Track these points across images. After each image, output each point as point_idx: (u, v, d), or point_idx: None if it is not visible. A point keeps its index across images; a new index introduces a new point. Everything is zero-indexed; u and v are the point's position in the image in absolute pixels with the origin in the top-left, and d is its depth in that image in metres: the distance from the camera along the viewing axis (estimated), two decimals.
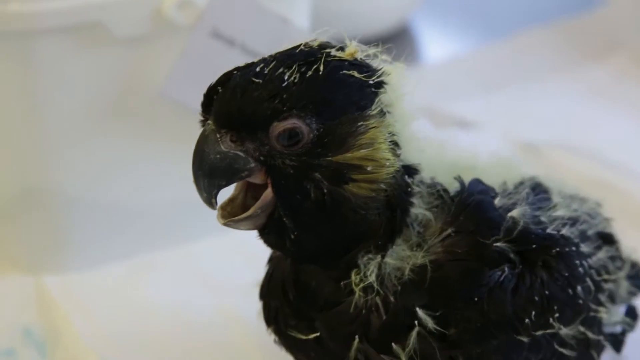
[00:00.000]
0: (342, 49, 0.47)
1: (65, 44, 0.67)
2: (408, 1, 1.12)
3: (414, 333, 0.47)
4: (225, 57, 0.68)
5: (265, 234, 0.48)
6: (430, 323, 0.46)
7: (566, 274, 0.49)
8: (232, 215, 0.47)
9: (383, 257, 0.47)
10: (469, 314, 0.47)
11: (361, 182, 0.46)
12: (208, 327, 0.69)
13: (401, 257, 0.47)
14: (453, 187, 0.49)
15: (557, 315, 0.48)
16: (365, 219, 0.46)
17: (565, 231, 0.50)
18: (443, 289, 0.47)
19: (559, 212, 0.51)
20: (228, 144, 0.46)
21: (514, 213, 0.48)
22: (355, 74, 0.46)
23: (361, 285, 0.47)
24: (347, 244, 0.47)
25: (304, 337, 0.50)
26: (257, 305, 0.70)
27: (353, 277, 0.47)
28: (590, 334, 0.50)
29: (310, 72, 0.45)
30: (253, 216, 0.46)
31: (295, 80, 0.45)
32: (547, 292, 0.48)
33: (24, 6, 0.64)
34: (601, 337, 0.52)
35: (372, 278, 0.47)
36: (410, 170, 0.48)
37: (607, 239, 0.55)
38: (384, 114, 0.47)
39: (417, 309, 0.47)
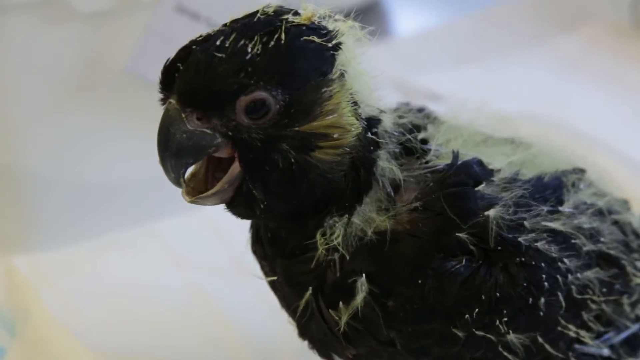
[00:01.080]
0: (297, 13, 0.46)
1: (29, 20, 0.67)
2: None
3: (359, 297, 0.47)
4: (190, 32, 0.66)
5: (234, 206, 0.47)
6: (364, 293, 0.47)
7: (524, 284, 0.47)
8: (196, 190, 0.47)
9: (350, 217, 0.47)
10: (409, 293, 0.47)
11: (327, 149, 0.46)
12: (175, 303, 0.69)
13: (367, 219, 0.48)
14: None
15: (505, 319, 0.47)
16: (332, 182, 0.47)
17: (541, 245, 0.48)
18: (393, 262, 0.47)
19: (551, 224, 0.49)
20: (194, 122, 0.45)
21: (491, 212, 0.47)
22: (315, 39, 0.45)
23: (325, 246, 0.47)
24: (316, 206, 0.47)
25: (265, 278, 0.51)
26: (227, 284, 0.71)
27: (318, 237, 0.48)
28: (551, 349, 0.49)
29: (272, 43, 0.45)
30: (220, 191, 0.46)
31: (259, 52, 0.44)
32: (497, 294, 0.47)
33: None
34: (570, 354, 0.51)
35: (337, 241, 0.47)
36: (372, 122, 0.48)
37: (608, 260, 0.52)
38: (343, 76, 0.46)
39: (363, 275, 0.47)
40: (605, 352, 0.53)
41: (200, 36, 0.46)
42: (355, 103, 0.47)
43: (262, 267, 0.53)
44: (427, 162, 0.49)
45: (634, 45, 1.01)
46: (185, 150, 0.45)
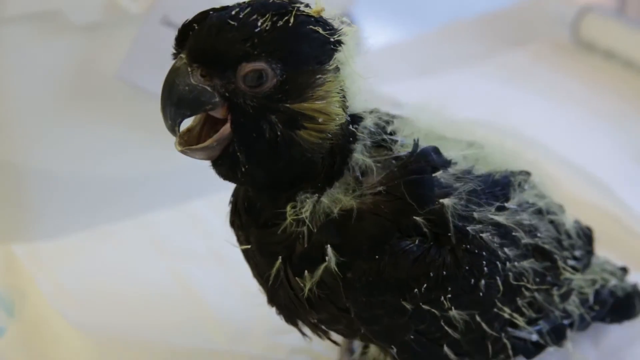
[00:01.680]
0: (308, 6, 0.50)
1: (28, 30, 0.71)
2: None
3: (322, 267, 0.50)
4: None
5: (218, 165, 0.50)
6: (333, 262, 0.50)
7: (467, 267, 0.51)
8: (188, 143, 0.50)
9: (320, 196, 0.51)
10: (367, 266, 0.50)
11: (311, 130, 0.49)
12: (159, 288, 0.73)
13: (335, 200, 0.51)
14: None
15: (449, 296, 0.51)
16: (310, 162, 0.50)
17: (485, 236, 0.52)
18: (356, 237, 0.50)
19: (496, 217, 0.53)
20: (198, 77, 0.48)
21: (446, 201, 0.51)
22: (320, 30, 0.49)
23: (294, 217, 0.51)
24: (291, 181, 0.51)
25: (240, 247, 0.55)
26: (208, 272, 0.73)
27: (288, 209, 0.51)
28: (487, 327, 0.53)
29: (281, 22, 0.48)
30: (209, 147, 0.49)
31: (267, 28, 0.48)
32: (444, 273, 0.50)
33: None
34: (503, 335, 0.54)
35: (305, 214, 0.50)
36: (355, 118, 0.52)
37: (542, 253, 0.56)
38: (338, 70, 0.50)
39: (329, 246, 0.50)
40: (534, 337, 0.57)
41: (221, 6, 0.50)
42: (344, 97, 0.50)
43: (238, 237, 0.56)
44: (392, 152, 0.52)
45: (574, 60, 1.07)
46: (185, 102, 0.48)
